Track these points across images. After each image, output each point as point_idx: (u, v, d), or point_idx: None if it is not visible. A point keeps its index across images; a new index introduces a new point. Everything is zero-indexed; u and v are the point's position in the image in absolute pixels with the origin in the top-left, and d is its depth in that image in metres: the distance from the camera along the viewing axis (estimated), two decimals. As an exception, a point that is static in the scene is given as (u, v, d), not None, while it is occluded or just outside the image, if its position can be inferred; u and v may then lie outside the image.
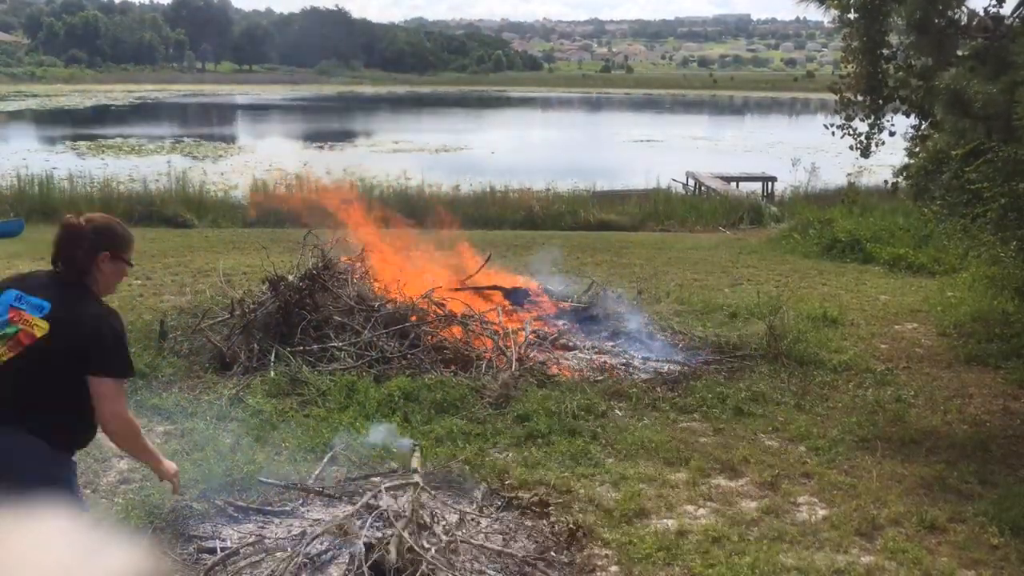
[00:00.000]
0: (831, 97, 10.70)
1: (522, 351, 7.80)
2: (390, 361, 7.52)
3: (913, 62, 9.22)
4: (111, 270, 3.52)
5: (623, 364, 8.01)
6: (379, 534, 4.71)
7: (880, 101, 9.92)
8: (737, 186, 24.60)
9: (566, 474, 5.69)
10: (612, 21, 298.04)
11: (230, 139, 42.75)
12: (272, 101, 71.92)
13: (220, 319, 8.17)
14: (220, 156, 32.46)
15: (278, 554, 4.65)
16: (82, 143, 35.03)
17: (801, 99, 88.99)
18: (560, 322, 9.12)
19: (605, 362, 8.02)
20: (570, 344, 8.50)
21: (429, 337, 7.87)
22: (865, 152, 10.59)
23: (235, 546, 4.71)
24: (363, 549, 4.49)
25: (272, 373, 7.18)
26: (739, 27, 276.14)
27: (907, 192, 11.29)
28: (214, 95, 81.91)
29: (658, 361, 8.09)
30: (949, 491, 5.61)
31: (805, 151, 28.92)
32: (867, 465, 5.97)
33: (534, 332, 8.48)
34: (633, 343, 8.55)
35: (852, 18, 9.54)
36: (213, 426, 6.32)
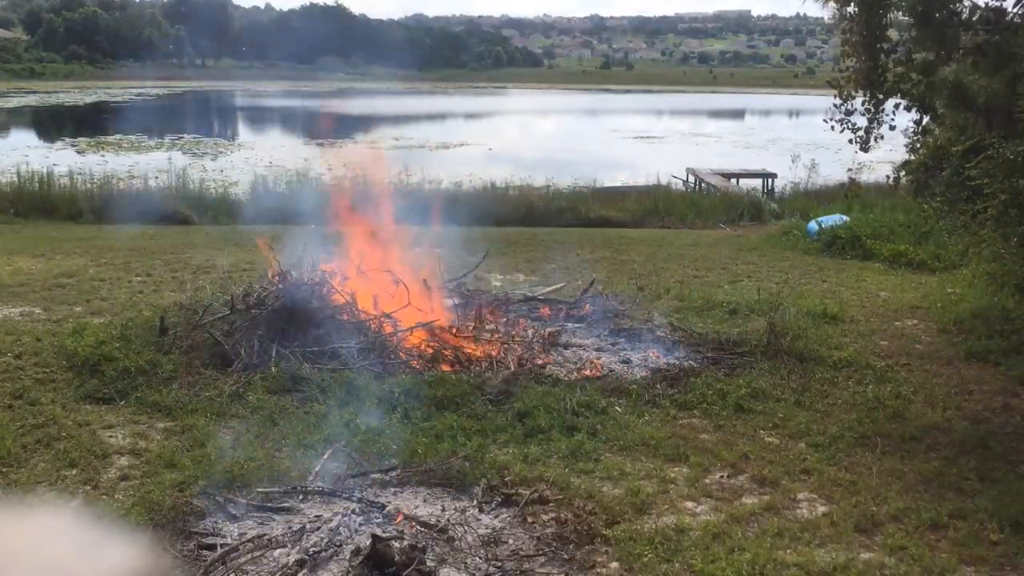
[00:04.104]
0: (831, 93, 10.67)
1: (522, 354, 7.80)
2: (390, 358, 7.53)
3: (914, 56, 9.19)
4: None
5: (622, 362, 8.01)
6: (379, 531, 4.72)
7: (880, 95, 9.90)
8: (737, 183, 24.58)
9: (566, 471, 5.69)
10: (612, 17, 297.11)
11: (230, 136, 42.70)
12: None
13: (220, 315, 8.16)
14: (220, 153, 32.41)
15: (278, 551, 4.66)
16: (82, 140, 35.00)
17: (801, 95, 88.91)
18: (560, 321, 9.13)
19: (602, 361, 8.01)
20: (570, 343, 8.50)
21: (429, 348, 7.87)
22: (865, 146, 10.56)
23: (235, 543, 4.72)
24: (364, 545, 4.50)
25: (273, 369, 7.18)
26: (739, 23, 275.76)
27: (908, 188, 11.26)
28: (213, 90, 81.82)
29: (658, 358, 8.09)
30: (949, 487, 5.61)
31: (805, 147, 28.89)
32: (867, 462, 5.97)
33: (535, 331, 8.50)
34: (633, 341, 8.54)
35: (851, 12, 9.51)
36: (213, 422, 6.32)
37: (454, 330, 8.27)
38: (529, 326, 8.78)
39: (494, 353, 7.81)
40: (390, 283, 8.30)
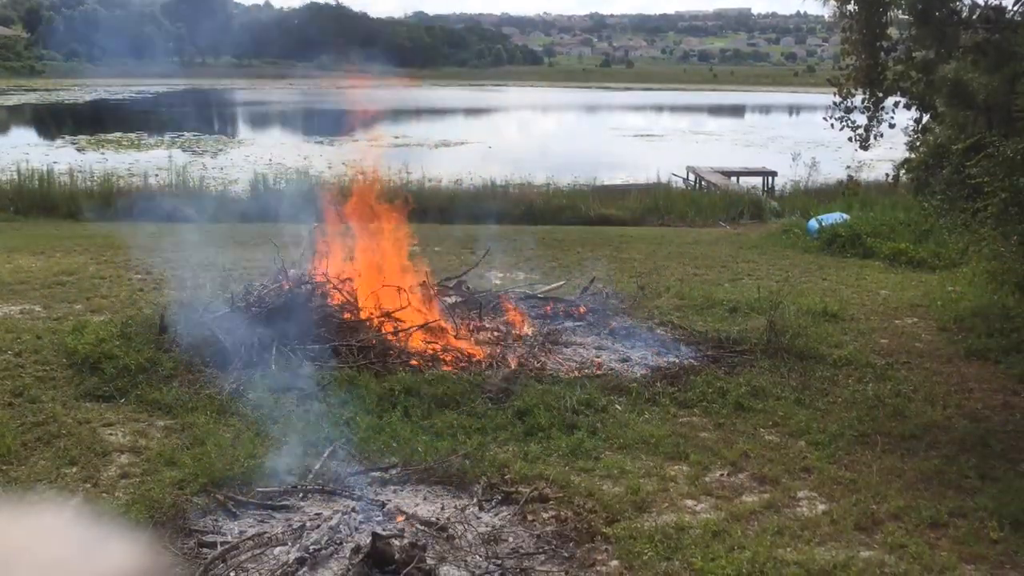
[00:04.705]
0: (831, 91, 10.68)
1: (522, 352, 7.80)
2: (390, 357, 7.53)
3: (914, 54, 9.20)
4: None
5: (622, 360, 8.00)
6: (380, 529, 4.72)
7: (880, 94, 9.91)
8: (737, 181, 24.58)
9: (566, 469, 5.69)
10: (612, 15, 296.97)
11: (230, 133, 42.68)
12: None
13: (221, 313, 8.16)
14: (220, 150, 32.39)
15: (278, 549, 4.66)
16: (82, 137, 34.98)
17: (802, 93, 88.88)
18: (560, 320, 9.13)
19: (602, 359, 8.01)
20: (570, 341, 8.50)
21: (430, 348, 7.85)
22: (864, 144, 10.58)
23: (235, 541, 4.72)
24: (365, 543, 4.50)
25: (273, 367, 7.18)
26: (739, 21, 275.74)
27: (908, 186, 11.28)
28: (212, 89, 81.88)
29: (658, 356, 8.09)
30: (949, 486, 5.61)
31: (805, 146, 28.86)
32: (867, 460, 5.97)
33: (535, 329, 8.49)
34: (633, 339, 8.54)
35: (851, 10, 9.52)
36: (213, 420, 6.32)
37: (454, 330, 8.27)
38: (529, 324, 8.78)
39: (494, 354, 7.81)
40: (391, 284, 8.30)
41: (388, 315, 8.02)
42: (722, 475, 5.71)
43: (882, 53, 9.65)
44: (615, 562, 4.64)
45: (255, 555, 4.59)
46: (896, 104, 10.35)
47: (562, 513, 5.11)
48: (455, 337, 8.09)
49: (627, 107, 74.44)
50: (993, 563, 4.73)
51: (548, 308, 9.37)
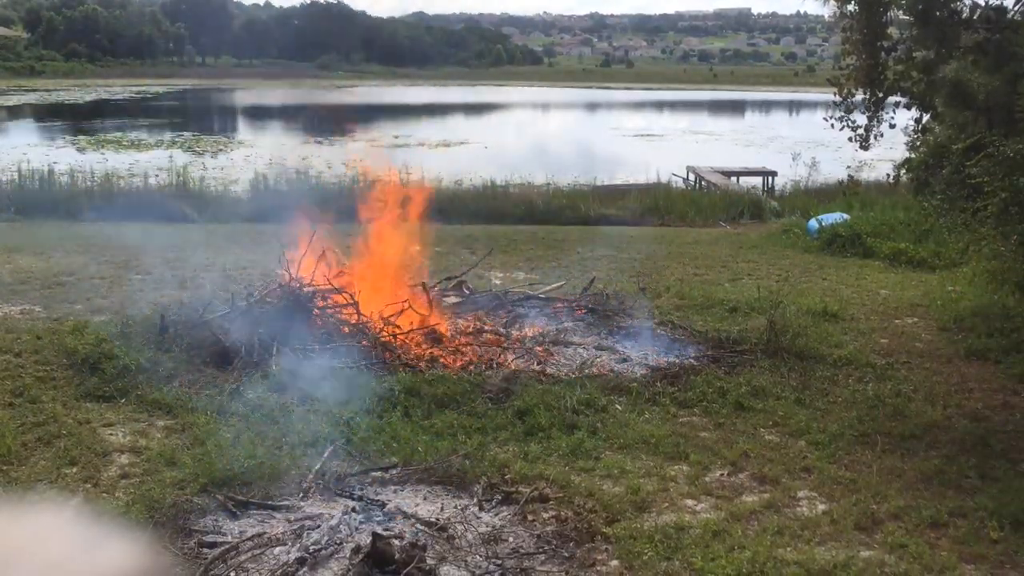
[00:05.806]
0: (831, 90, 10.68)
1: (522, 352, 7.80)
2: (391, 357, 7.53)
3: (914, 54, 9.20)
4: None
5: (622, 360, 8.00)
6: (380, 529, 4.72)
7: (880, 94, 9.90)
8: (737, 181, 24.57)
9: (566, 469, 5.69)
10: (612, 15, 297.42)
11: (230, 134, 42.70)
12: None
13: (221, 313, 8.16)
14: (220, 151, 32.41)
15: (278, 549, 4.66)
16: (82, 138, 34.98)
17: (802, 93, 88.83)
18: (560, 320, 9.12)
19: (602, 359, 8.00)
20: (570, 341, 8.49)
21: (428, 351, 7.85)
22: (864, 144, 10.57)
23: (235, 541, 4.72)
24: (365, 543, 4.50)
25: (273, 367, 7.18)
26: (739, 21, 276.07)
27: (908, 186, 11.27)
28: (214, 88, 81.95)
29: (658, 356, 8.09)
30: (949, 485, 5.61)
31: (805, 146, 28.86)
32: (867, 460, 5.97)
33: (535, 329, 8.49)
34: (633, 339, 8.54)
35: (851, 10, 9.52)
36: (214, 420, 6.32)
37: (455, 331, 8.27)
38: (529, 324, 8.78)
39: (494, 354, 7.81)
40: (393, 284, 8.31)
41: (388, 318, 8.02)
42: (722, 475, 5.71)
43: (882, 53, 9.64)
44: (615, 562, 4.65)
45: (255, 555, 4.59)
46: (896, 104, 10.34)
47: (562, 513, 5.11)
48: (453, 336, 8.09)
49: (627, 105, 74.51)
50: (993, 563, 4.73)
51: (548, 308, 9.36)
